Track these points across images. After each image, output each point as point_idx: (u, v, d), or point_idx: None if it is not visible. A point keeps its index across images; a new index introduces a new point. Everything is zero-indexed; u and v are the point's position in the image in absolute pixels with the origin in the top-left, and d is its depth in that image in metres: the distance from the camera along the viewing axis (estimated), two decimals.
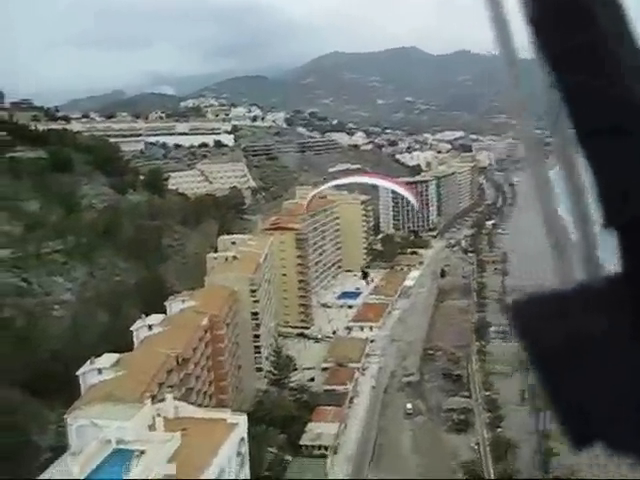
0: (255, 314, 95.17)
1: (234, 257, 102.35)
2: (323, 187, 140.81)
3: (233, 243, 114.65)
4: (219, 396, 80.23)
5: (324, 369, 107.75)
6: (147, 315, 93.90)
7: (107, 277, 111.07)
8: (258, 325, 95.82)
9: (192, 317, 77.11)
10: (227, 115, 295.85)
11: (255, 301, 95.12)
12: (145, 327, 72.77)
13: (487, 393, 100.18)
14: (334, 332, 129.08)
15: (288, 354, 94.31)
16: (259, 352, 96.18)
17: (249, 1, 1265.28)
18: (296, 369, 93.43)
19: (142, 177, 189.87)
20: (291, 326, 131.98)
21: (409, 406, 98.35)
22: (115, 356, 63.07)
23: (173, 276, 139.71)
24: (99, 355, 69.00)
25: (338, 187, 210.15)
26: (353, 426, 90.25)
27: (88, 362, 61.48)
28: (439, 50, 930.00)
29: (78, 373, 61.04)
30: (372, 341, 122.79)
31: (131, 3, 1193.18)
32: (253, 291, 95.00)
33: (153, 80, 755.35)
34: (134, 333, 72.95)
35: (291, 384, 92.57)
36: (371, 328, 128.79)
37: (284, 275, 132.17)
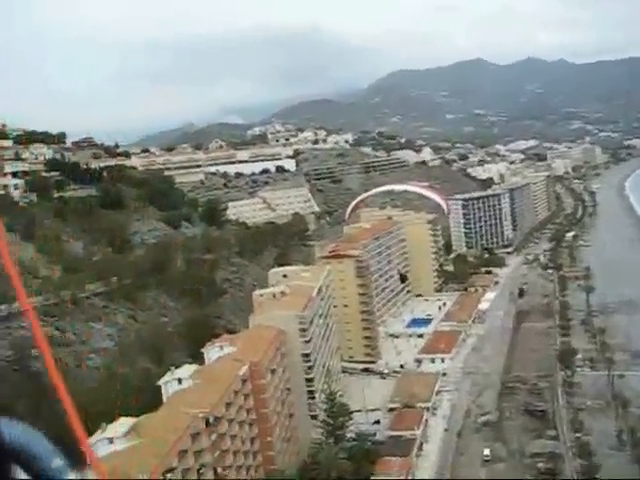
0: (306, 355, 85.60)
1: (282, 292, 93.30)
2: (361, 196, 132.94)
3: (284, 276, 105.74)
4: (266, 453, 70.92)
5: (390, 410, 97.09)
6: (193, 360, 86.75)
7: (152, 319, 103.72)
8: (310, 368, 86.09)
9: (228, 367, 68.22)
10: (287, 140, 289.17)
11: (306, 341, 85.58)
12: (174, 381, 64.26)
13: (577, 434, 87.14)
14: (402, 366, 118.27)
15: (342, 401, 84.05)
16: (313, 397, 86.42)
17: (311, 26, 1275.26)
18: (351, 418, 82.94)
19: (200, 209, 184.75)
20: (356, 361, 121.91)
21: (487, 452, 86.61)
22: (130, 421, 54.55)
23: (229, 312, 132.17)
24: (126, 414, 61.11)
25: (405, 207, 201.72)
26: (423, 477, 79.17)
27: (99, 430, 53.02)
28: (505, 60, 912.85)
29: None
30: (444, 374, 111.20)
31: (198, 39, 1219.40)
32: (303, 330, 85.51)
33: (222, 111, 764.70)
34: (162, 388, 64.55)
35: (349, 433, 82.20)
36: (442, 360, 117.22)
37: (345, 306, 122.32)
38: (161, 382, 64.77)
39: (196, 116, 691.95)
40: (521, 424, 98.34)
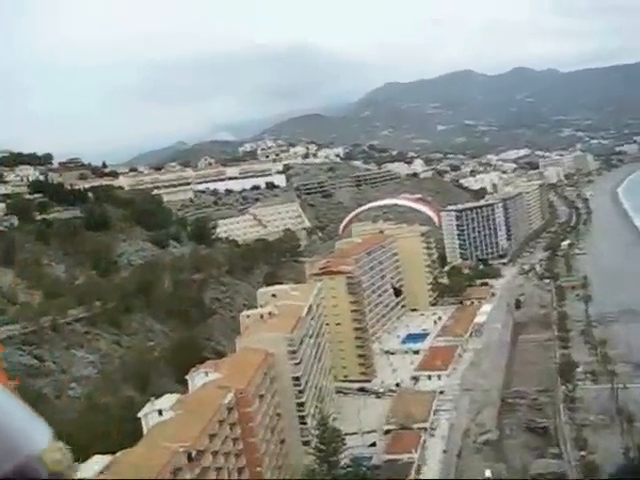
0: (297, 379, 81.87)
1: (270, 313, 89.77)
2: (354, 212, 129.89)
3: (273, 296, 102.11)
4: None
5: (386, 432, 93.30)
6: (180, 386, 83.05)
7: (137, 343, 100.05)
8: (301, 391, 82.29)
9: (213, 395, 64.53)
10: (277, 155, 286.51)
11: (296, 364, 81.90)
12: (155, 412, 60.56)
13: (581, 452, 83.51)
14: (398, 384, 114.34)
15: (335, 425, 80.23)
16: (305, 422, 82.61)
17: (301, 42, 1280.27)
18: (345, 443, 79.00)
19: (189, 227, 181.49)
20: (350, 380, 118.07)
21: (488, 473, 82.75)
22: (106, 459, 50.84)
23: (219, 334, 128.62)
24: (106, 447, 57.47)
25: (397, 220, 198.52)
26: None
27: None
28: (495, 70, 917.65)
29: None
30: (441, 392, 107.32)
31: (190, 57, 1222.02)
32: (293, 352, 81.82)
33: (214, 128, 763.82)
34: (142, 420, 60.82)
35: (344, 459, 78.31)
36: (439, 377, 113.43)
37: (338, 324, 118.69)
38: (141, 414, 61.03)
39: (188, 134, 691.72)
40: (523, 442, 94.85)
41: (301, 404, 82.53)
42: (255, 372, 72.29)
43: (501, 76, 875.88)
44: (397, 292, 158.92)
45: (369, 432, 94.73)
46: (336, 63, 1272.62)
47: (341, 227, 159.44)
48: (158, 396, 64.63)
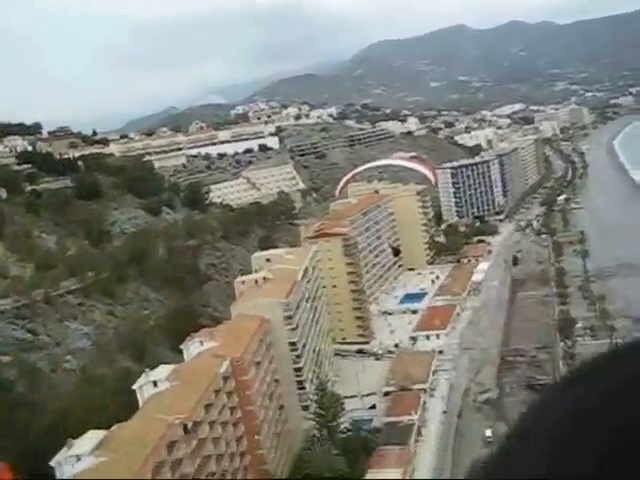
0: (294, 344, 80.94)
1: (265, 278, 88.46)
2: (351, 173, 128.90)
3: (268, 260, 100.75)
4: (254, 452, 66.52)
5: (386, 393, 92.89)
6: (177, 354, 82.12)
7: (132, 313, 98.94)
8: (299, 357, 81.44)
9: (208, 364, 63.52)
10: (269, 117, 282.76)
11: (292, 329, 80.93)
12: (150, 384, 59.55)
13: None
14: (396, 345, 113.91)
15: (334, 390, 79.49)
16: (303, 387, 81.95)
17: (291, 1, 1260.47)
18: (344, 408, 78.29)
19: (182, 193, 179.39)
20: (349, 342, 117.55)
21: (489, 433, 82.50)
22: (100, 434, 49.93)
23: (216, 300, 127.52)
24: (101, 421, 56.68)
25: (392, 179, 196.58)
26: (421, 468, 75.00)
27: (65, 447, 48.33)
28: (487, 24, 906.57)
29: (52, 463, 48.04)
30: (440, 352, 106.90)
31: (178, 20, 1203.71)
32: (289, 317, 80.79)
33: (206, 92, 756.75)
34: (137, 393, 59.83)
35: (344, 423, 77.78)
36: (438, 336, 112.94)
37: (334, 287, 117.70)
38: (135, 386, 59.97)
39: (179, 99, 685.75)
40: (523, 399, 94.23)
41: (299, 369, 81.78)
42: (251, 339, 71.28)
43: (494, 30, 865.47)
44: (396, 252, 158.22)
45: (368, 395, 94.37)
46: (328, 22, 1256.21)
47: (338, 188, 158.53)
48: (153, 367, 63.52)
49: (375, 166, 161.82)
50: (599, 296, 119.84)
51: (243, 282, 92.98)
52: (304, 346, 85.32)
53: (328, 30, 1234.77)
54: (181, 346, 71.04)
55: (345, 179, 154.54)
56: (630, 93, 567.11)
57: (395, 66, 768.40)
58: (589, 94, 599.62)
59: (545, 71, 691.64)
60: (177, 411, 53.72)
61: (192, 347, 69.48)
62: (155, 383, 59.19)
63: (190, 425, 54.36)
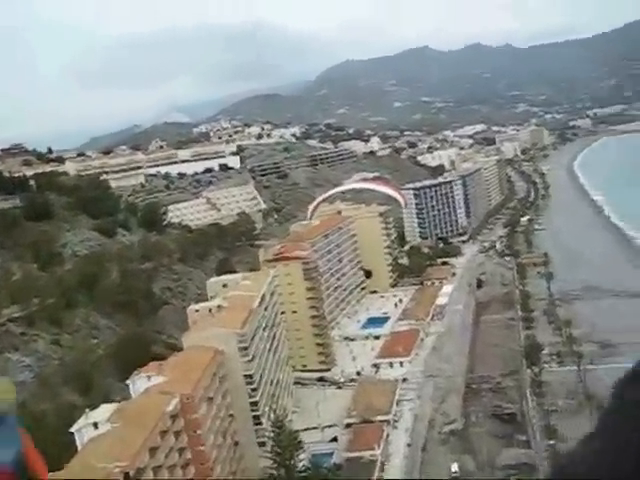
0: (250, 376, 76.38)
1: (219, 307, 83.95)
2: (322, 197, 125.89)
3: (224, 286, 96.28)
4: None
5: (348, 425, 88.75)
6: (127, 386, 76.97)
7: (80, 342, 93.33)
8: (255, 390, 76.88)
9: (155, 402, 58.75)
10: (231, 136, 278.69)
11: (248, 361, 76.37)
12: (90, 426, 54.62)
13: (551, 441, 79.90)
14: (359, 373, 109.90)
15: (291, 429, 74.84)
16: (260, 422, 77.28)
17: (258, 20, 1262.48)
18: (302, 447, 73.76)
19: (139, 214, 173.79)
20: (309, 370, 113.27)
21: (454, 468, 78.94)
22: None
23: (171, 326, 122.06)
24: None
25: (355, 200, 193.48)
26: None
27: None
28: (450, 46, 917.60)
29: None
30: (404, 380, 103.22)
31: (142, 38, 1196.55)
32: (244, 348, 76.24)
33: (170, 110, 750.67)
34: (76, 436, 54.81)
35: (303, 459, 73.21)
36: (401, 363, 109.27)
37: (294, 312, 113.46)
38: (74, 429, 54.95)
39: (144, 117, 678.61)
40: (489, 430, 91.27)
41: (255, 403, 77.07)
42: (203, 373, 66.65)
43: (457, 52, 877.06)
44: (368, 274, 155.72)
45: (330, 426, 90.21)
46: (294, 41, 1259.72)
47: (309, 213, 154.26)
48: (93, 408, 58.44)
49: (347, 189, 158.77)
50: (565, 320, 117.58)
51: (197, 310, 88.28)
52: (261, 378, 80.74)
53: (294, 50, 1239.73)
54: (127, 381, 66.07)
55: (317, 201, 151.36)
56: (587, 116, 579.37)
57: (359, 86, 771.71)
58: (548, 116, 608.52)
59: (506, 93, 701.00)
60: (118, 457, 48.93)
61: (139, 382, 64.66)
62: (96, 425, 54.27)
63: (132, 473, 49.59)
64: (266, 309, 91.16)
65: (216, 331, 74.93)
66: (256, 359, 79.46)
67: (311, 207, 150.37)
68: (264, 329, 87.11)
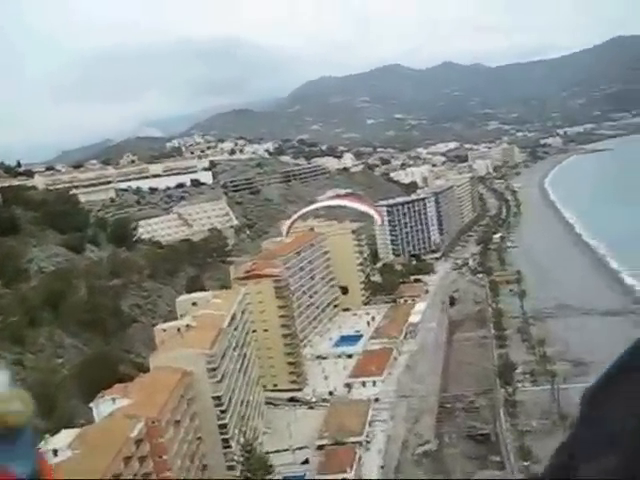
0: (218, 398, 74.32)
1: (187, 326, 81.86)
2: (299, 213, 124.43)
3: (194, 304, 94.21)
4: None
5: (320, 447, 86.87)
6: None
7: (44, 362, 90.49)
8: (224, 412, 74.77)
9: (119, 426, 56.61)
10: (203, 152, 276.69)
11: (217, 382, 74.32)
12: (49, 453, 52.30)
13: (525, 463, 78.71)
14: (331, 392, 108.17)
15: (261, 452, 72.95)
16: (229, 445, 75.16)
17: (232, 36, 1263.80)
18: (272, 472, 71.94)
19: (109, 229, 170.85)
20: (280, 390, 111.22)
21: None
22: None
23: (140, 344, 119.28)
24: None
25: (327, 216, 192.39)
26: None
27: None
28: (423, 64, 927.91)
29: None
30: (376, 400, 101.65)
31: (114, 52, 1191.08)
32: (213, 369, 74.21)
33: (142, 124, 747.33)
34: None
35: None
36: (374, 383, 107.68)
37: (266, 331, 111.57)
38: None
39: (115, 131, 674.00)
40: (463, 451, 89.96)
41: (224, 425, 74.88)
42: (170, 395, 64.54)
43: (429, 70, 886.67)
44: (344, 290, 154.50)
45: (301, 448, 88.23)
46: (267, 58, 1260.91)
47: (284, 230, 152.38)
48: (54, 433, 56.03)
49: (323, 206, 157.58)
50: (538, 339, 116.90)
51: (164, 330, 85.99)
52: (230, 399, 78.60)
53: (267, 67, 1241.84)
54: (91, 404, 63.70)
55: (293, 218, 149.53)
56: (558, 134, 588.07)
57: (332, 103, 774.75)
58: (520, 134, 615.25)
59: (478, 111, 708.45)
60: None
61: (103, 405, 62.32)
62: (55, 452, 51.91)
63: None
64: (236, 328, 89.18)
65: (184, 351, 72.81)
66: (225, 380, 77.40)
67: (287, 224, 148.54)
68: (234, 349, 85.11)
